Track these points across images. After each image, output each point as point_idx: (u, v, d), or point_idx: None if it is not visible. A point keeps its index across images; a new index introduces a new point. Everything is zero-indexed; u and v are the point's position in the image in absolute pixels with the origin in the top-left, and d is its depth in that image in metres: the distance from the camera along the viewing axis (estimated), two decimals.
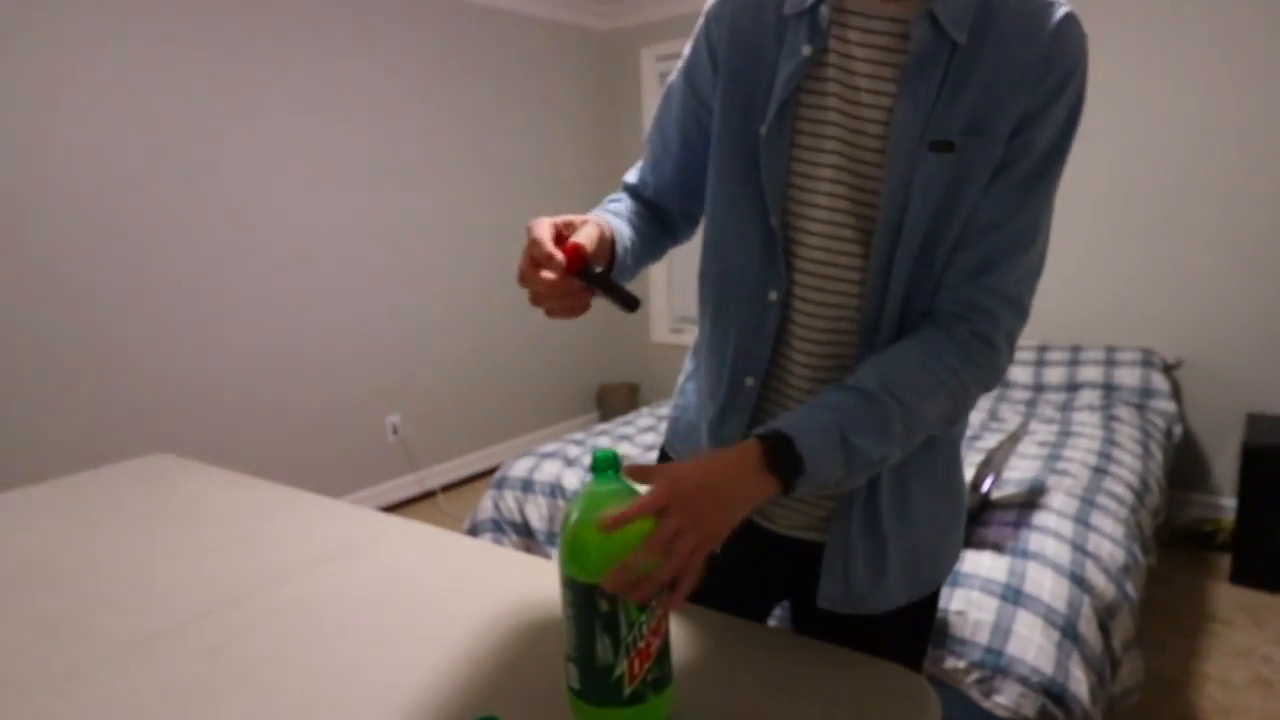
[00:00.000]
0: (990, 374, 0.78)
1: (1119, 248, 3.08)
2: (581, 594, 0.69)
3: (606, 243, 0.84)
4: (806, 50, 0.79)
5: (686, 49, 0.93)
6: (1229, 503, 2.95)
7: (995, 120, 0.74)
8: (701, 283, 0.95)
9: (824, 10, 0.78)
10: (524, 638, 0.91)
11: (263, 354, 3.08)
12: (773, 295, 0.86)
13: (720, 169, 0.88)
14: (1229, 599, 2.47)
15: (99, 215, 2.61)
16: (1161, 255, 3.00)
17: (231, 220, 2.95)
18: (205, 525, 1.31)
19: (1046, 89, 0.73)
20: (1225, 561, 2.71)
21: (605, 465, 0.71)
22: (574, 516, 0.70)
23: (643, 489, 0.72)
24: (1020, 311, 0.79)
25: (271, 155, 3.04)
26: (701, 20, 0.90)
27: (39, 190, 2.47)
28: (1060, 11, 0.74)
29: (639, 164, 1.02)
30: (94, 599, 1.06)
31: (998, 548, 1.61)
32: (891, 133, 0.76)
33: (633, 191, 1.01)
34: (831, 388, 0.77)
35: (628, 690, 0.69)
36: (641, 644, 0.69)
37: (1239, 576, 2.55)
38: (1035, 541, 1.63)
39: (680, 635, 0.89)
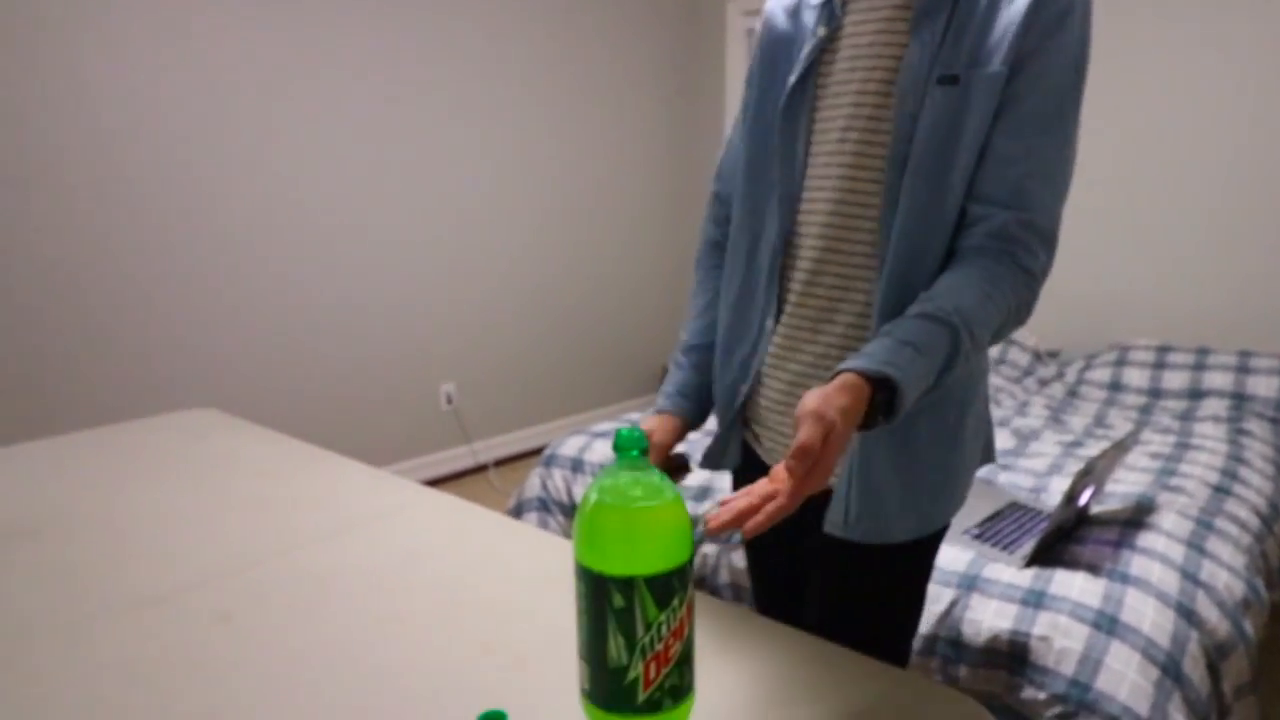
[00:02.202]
0: (1029, 306, 0.90)
1: (1256, 238, 2.87)
2: (595, 586, 0.66)
3: (670, 434, 1.06)
4: (822, 31, 0.97)
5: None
6: None
7: (994, 54, 0.86)
8: (731, 247, 1.11)
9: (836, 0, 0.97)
10: (541, 627, 0.89)
11: (321, 315, 3.16)
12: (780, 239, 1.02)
13: (750, 134, 1.06)
14: None
15: (167, 179, 2.70)
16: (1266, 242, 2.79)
17: (295, 186, 3.01)
18: (232, 483, 1.34)
19: (1042, 27, 0.85)
20: None
21: (630, 445, 0.67)
22: (593, 498, 0.67)
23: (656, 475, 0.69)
24: (1053, 246, 0.90)
25: (334, 123, 3.09)
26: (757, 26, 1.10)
27: (112, 153, 2.57)
28: None
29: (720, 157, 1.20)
30: (111, 553, 1.09)
31: (1093, 569, 1.54)
32: (901, 75, 0.90)
33: (715, 200, 1.19)
34: (918, 320, 0.82)
35: (642, 697, 0.66)
36: (659, 646, 0.66)
37: None
38: (1138, 565, 1.55)
39: (704, 636, 0.86)
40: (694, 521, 1.89)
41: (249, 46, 2.85)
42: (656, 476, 0.67)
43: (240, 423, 1.70)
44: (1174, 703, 1.30)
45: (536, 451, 3.99)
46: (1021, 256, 0.87)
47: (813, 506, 1.01)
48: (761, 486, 0.69)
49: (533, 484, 2.27)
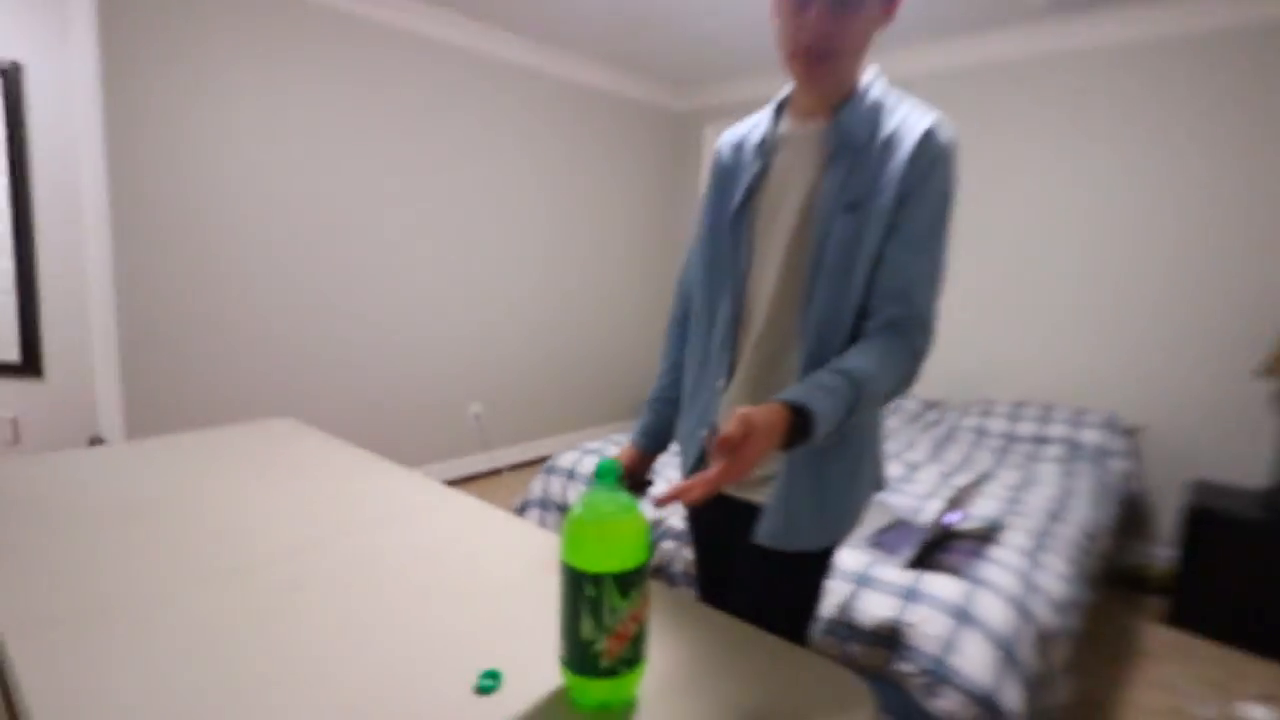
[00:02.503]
0: (913, 376, 0.92)
1: (1092, 323, 2.94)
2: (573, 579, 0.68)
3: (637, 462, 1.21)
4: (757, 165, 1.02)
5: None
6: (1165, 552, 2.77)
7: (885, 190, 0.91)
8: (694, 325, 1.13)
9: (768, 139, 1.02)
10: (536, 605, 0.90)
11: (381, 351, 3.15)
12: (731, 321, 1.05)
13: (707, 240, 1.09)
14: (1158, 637, 2.32)
15: (270, 240, 2.72)
16: (1129, 333, 2.86)
17: (365, 254, 3.04)
18: (303, 478, 1.33)
19: (919, 172, 0.90)
20: (1156, 603, 2.55)
21: (607, 473, 0.69)
22: (576, 513, 0.69)
23: (628, 497, 0.72)
24: (930, 331, 0.92)
25: (400, 212, 3.13)
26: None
27: (229, 210, 2.59)
28: (925, 123, 0.92)
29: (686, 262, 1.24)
30: (206, 531, 1.09)
31: (955, 572, 1.54)
32: (817, 202, 0.94)
33: (679, 292, 1.24)
34: (829, 373, 0.86)
35: (604, 664, 0.68)
36: (620, 627, 0.68)
37: (1174, 620, 2.39)
38: (989, 571, 1.55)
39: (658, 617, 0.88)
40: (654, 524, 1.89)
41: (351, 145, 2.89)
42: (626, 498, 0.69)
43: (312, 430, 1.69)
44: (1010, 678, 1.30)
45: (540, 460, 3.98)
46: (909, 340, 0.90)
47: (744, 520, 1.03)
48: (697, 476, 0.75)
49: (535, 487, 2.26)
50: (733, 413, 1.00)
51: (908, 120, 0.92)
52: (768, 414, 0.78)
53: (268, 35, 2.63)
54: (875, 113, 0.94)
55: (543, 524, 2.20)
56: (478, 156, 3.40)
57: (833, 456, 0.97)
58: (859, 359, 0.87)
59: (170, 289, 2.52)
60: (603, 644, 0.67)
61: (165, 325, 2.52)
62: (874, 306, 0.92)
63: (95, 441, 2.69)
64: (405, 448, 3.33)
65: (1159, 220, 2.77)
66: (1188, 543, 2.37)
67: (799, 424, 0.80)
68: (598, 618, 0.67)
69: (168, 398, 2.55)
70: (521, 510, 2.25)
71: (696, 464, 1.10)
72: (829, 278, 0.93)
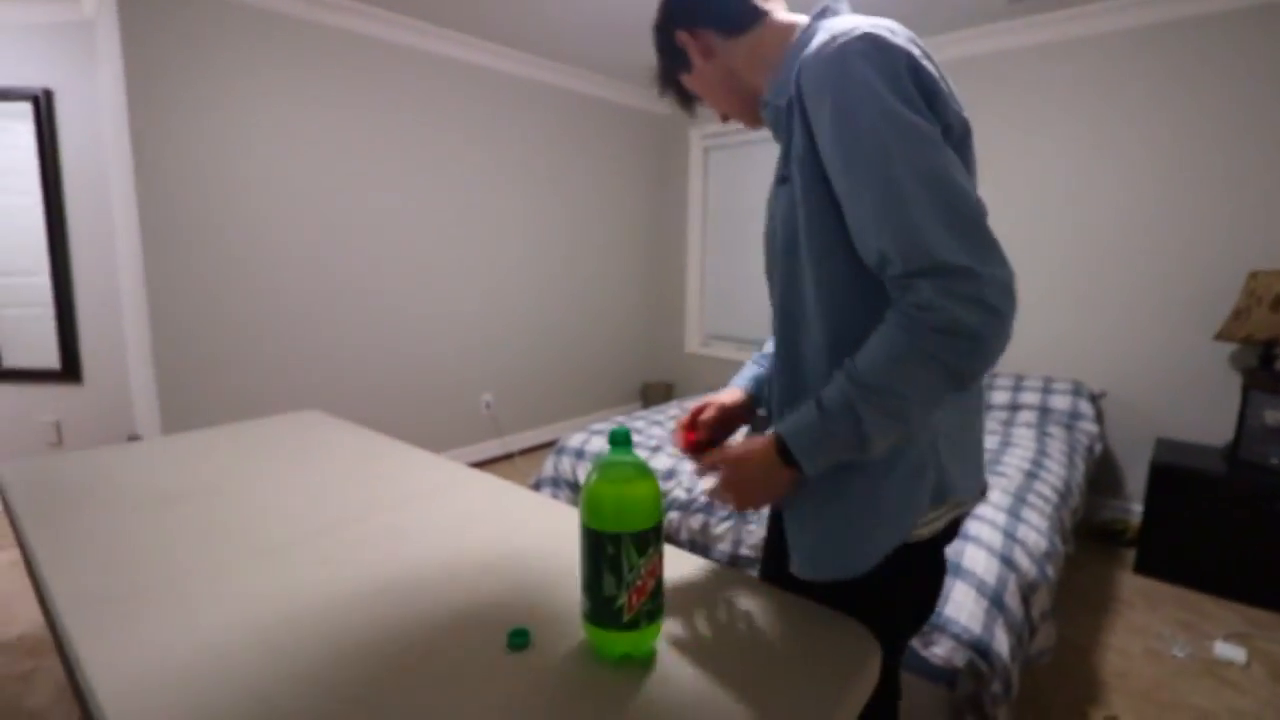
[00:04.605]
0: (951, 330, 0.63)
1: (1065, 297, 2.94)
2: (594, 540, 0.67)
3: (733, 410, 0.95)
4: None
5: None
6: (1136, 508, 2.78)
7: (804, 147, 0.72)
8: None
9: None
10: (556, 569, 0.89)
11: (397, 346, 3.14)
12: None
13: None
14: (1131, 585, 2.33)
15: (289, 243, 2.69)
16: (1096, 306, 2.85)
17: (388, 255, 3.01)
18: (331, 464, 1.32)
19: (814, 108, 0.69)
20: (1130, 555, 2.56)
21: (620, 440, 0.68)
22: (593, 478, 0.68)
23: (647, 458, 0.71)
24: (943, 270, 0.63)
25: (414, 200, 3.10)
26: None
27: (243, 213, 2.57)
28: (813, 45, 0.70)
29: None
30: (245, 514, 1.08)
31: None
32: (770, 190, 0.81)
33: None
34: (834, 376, 0.71)
35: (626, 618, 0.67)
36: (639, 582, 0.67)
37: (1141, 568, 2.40)
38: (975, 528, 1.55)
39: (675, 577, 0.87)
40: (664, 493, 1.88)
41: (361, 151, 2.86)
42: (639, 462, 0.68)
43: (338, 420, 1.68)
44: (998, 624, 1.30)
45: (549, 444, 3.97)
46: (899, 309, 0.66)
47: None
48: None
49: (547, 467, 2.26)
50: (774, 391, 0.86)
51: (807, 54, 0.71)
52: (748, 445, 0.77)
53: (278, 52, 2.60)
54: (791, 71, 0.75)
55: (556, 499, 2.20)
56: (485, 162, 3.37)
57: (839, 478, 0.76)
58: (865, 350, 0.69)
59: (197, 293, 2.49)
60: (624, 599, 0.66)
61: (194, 328, 2.50)
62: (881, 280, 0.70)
63: (133, 439, 2.68)
64: (422, 436, 3.32)
65: (1122, 199, 2.76)
66: (1152, 496, 2.37)
67: (783, 447, 0.72)
68: (618, 574, 0.66)
69: (199, 396, 2.53)
70: (536, 487, 2.25)
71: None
72: (781, 260, 0.78)
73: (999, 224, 3.04)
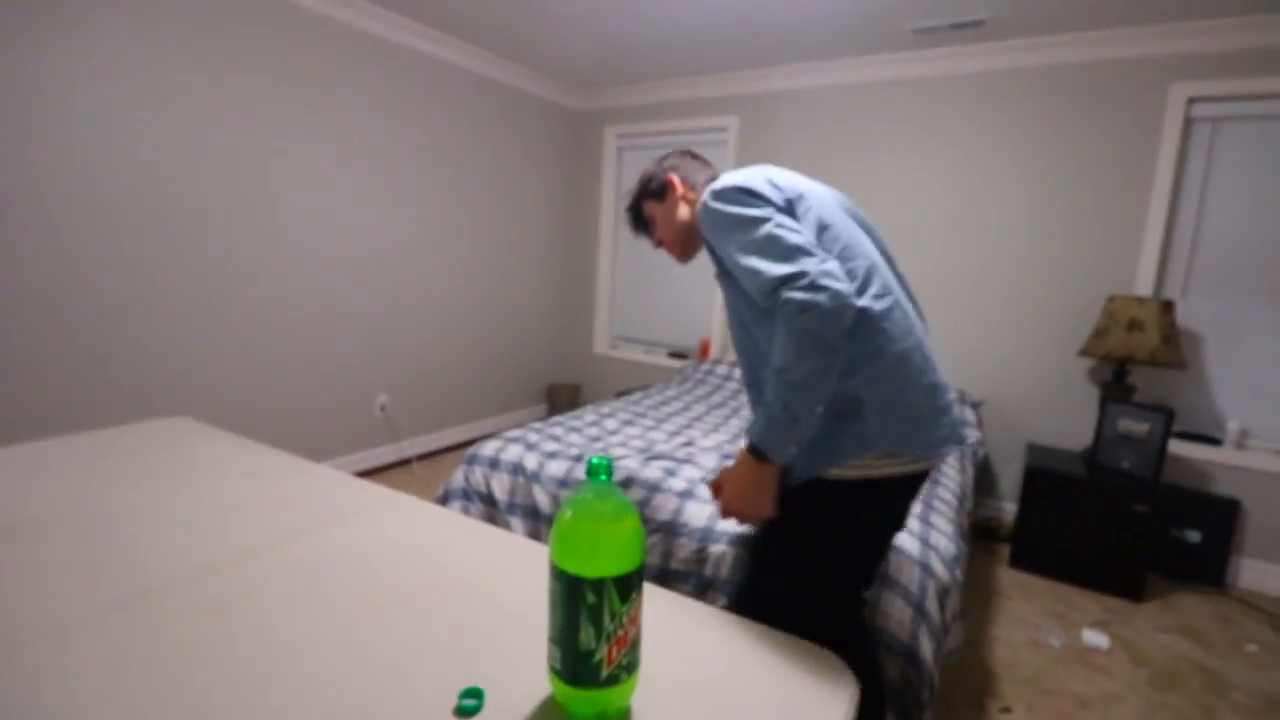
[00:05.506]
0: (800, 309, 0.93)
1: (948, 314, 3.15)
2: (571, 585, 0.58)
3: None
4: None
5: None
6: (1009, 506, 3.04)
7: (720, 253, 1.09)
8: None
9: None
10: (501, 610, 0.78)
11: (279, 339, 2.81)
12: None
13: None
14: (1008, 579, 2.53)
15: (150, 225, 2.33)
16: (975, 323, 3.09)
17: (267, 238, 2.69)
18: (211, 485, 1.12)
19: (711, 235, 1.09)
20: (1005, 550, 2.78)
21: (600, 471, 0.60)
22: (568, 514, 0.59)
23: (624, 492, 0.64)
24: (781, 281, 0.95)
25: (295, 180, 2.79)
26: None
27: (98, 192, 2.18)
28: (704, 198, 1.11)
29: None
30: (95, 552, 0.87)
31: None
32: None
33: None
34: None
35: (605, 674, 0.59)
36: (621, 632, 0.59)
37: (1016, 562, 2.62)
38: (898, 538, 1.59)
39: (650, 616, 0.79)
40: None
41: (239, 132, 2.52)
42: (619, 496, 0.60)
43: (212, 429, 1.43)
44: (923, 630, 1.34)
45: (451, 448, 3.75)
46: (777, 311, 0.98)
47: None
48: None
49: (457, 477, 2.09)
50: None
51: None
52: (732, 463, 1.04)
53: (145, 14, 2.24)
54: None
55: (466, 514, 2.04)
56: (374, 145, 3.11)
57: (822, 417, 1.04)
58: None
59: (28, 277, 2.09)
60: (603, 652, 0.58)
61: (23, 318, 2.09)
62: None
63: None
64: (309, 442, 3.01)
65: (1001, 225, 3.00)
66: (1025, 496, 2.59)
67: (754, 449, 1.00)
68: (598, 625, 0.57)
69: (30, 399, 2.12)
70: (444, 500, 2.07)
71: None
72: (736, 327, 1.15)
73: (890, 243, 3.22)
